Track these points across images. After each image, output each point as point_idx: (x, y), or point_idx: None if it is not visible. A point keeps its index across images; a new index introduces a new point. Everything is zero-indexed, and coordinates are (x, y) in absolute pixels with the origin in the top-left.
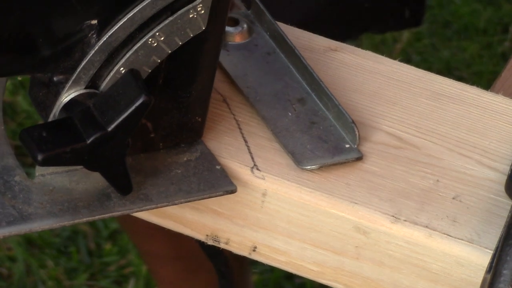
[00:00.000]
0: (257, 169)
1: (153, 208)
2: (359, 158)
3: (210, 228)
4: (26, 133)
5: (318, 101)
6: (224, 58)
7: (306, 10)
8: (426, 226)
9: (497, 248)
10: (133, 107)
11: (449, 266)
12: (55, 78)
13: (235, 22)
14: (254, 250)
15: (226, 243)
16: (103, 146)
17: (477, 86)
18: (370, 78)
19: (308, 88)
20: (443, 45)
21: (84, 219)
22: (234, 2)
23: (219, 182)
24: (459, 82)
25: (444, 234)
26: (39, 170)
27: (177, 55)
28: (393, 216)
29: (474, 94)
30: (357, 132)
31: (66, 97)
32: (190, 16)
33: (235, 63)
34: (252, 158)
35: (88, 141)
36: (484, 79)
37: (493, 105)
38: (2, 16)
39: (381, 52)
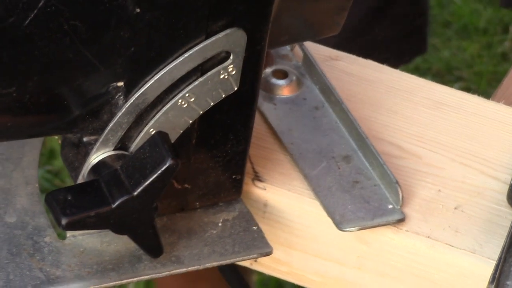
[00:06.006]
0: (259, 180)
1: (183, 272)
2: (401, 220)
3: None
4: (51, 196)
5: (363, 159)
6: (270, 112)
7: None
8: (428, 236)
9: (500, 258)
10: (159, 172)
11: (451, 276)
12: (84, 139)
13: (284, 75)
14: (255, 261)
15: None
16: (129, 210)
17: (477, 86)
18: (371, 88)
19: (354, 145)
20: (443, 45)
21: (111, 283)
22: (286, 53)
23: (255, 243)
24: (460, 91)
25: (446, 244)
26: (70, 231)
27: (210, 115)
28: (395, 226)
29: (475, 103)
30: (400, 193)
31: (94, 158)
32: (221, 76)
33: (281, 117)
34: (254, 168)
35: (114, 205)
36: (484, 79)
37: (494, 114)
38: (23, 78)
39: None
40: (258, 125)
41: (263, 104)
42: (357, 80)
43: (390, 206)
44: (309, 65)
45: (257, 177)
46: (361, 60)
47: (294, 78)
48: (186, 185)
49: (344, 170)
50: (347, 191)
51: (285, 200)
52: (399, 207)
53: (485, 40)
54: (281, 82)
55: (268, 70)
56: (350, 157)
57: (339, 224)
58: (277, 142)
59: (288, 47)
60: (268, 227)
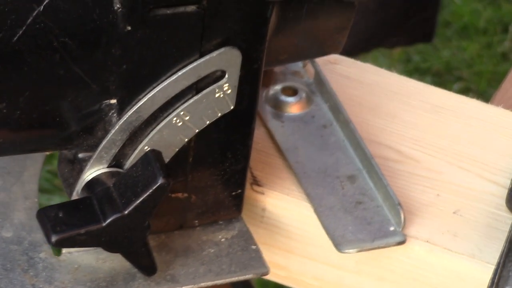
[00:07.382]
0: (257, 184)
1: None
2: (401, 243)
3: None
4: (43, 212)
5: (368, 179)
6: (278, 130)
7: None
8: (427, 241)
9: (498, 263)
10: (149, 191)
11: (450, 281)
12: (79, 155)
13: (293, 92)
14: None
15: None
16: (120, 228)
17: (477, 86)
18: (369, 91)
19: (360, 165)
20: (443, 45)
21: None
22: (297, 70)
23: (252, 263)
24: (459, 95)
25: (445, 248)
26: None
27: (207, 133)
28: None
29: (474, 107)
30: (402, 216)
31: (88, 175)
32: (217, 95)
33: (288, 135)
34: (252, 173)
35: (104, 224)
36: (484, 79)
37: (493, 118)
38: (13, 95)
39: (382, 53)
40: (260, 134)
41: (270, 121)
42: (355, 83)
43: (392, 228)
44: (320, 82)
45: (255, 182)
46: (359, 63)
47: (303, 95)
48: (182, 203)
49: (348, 190)
50: (349, 212)
51: (283, 205)
52: (400, 229)
53: (485, 40)
54: (290, 99)
55: (278, 87)
56: (354, 177)
57: (338, 245)
58: (276, 146)
59: (300, 64)
60: (266, 231)
